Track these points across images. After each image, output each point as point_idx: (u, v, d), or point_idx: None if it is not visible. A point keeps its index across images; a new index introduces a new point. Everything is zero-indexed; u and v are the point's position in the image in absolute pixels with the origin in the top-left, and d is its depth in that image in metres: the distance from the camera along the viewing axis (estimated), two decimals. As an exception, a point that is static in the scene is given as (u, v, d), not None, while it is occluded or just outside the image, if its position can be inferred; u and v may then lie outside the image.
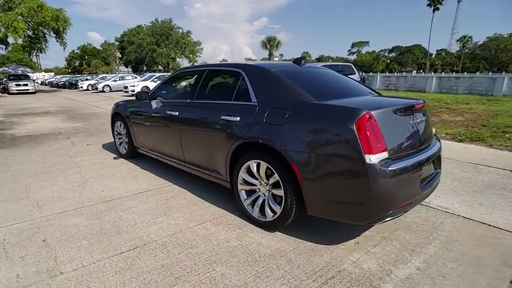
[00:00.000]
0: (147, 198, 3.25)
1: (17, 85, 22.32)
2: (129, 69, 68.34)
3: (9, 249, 2.27)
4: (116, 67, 77.76)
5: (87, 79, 30.61)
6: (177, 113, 3.42)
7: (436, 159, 2.59)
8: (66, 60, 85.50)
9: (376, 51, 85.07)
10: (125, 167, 4.36)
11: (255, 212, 2.64)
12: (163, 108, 3.68)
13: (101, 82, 24.98)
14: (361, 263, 2.12)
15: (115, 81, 24.44)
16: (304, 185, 2.22)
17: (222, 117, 2.82)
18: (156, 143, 3.96)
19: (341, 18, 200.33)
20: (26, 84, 22.76)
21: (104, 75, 34.45)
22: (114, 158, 4.82)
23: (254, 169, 2.57)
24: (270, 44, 53.21)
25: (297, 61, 3.10)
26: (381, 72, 60.01)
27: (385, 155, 2.00)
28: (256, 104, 2.60)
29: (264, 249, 2.30)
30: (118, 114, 4.75)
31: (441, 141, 2.90)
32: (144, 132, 4.15)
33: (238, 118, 2.67)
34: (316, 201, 2.23)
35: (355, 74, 12.78)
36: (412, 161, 2.15)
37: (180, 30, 60.21)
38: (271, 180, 2.47)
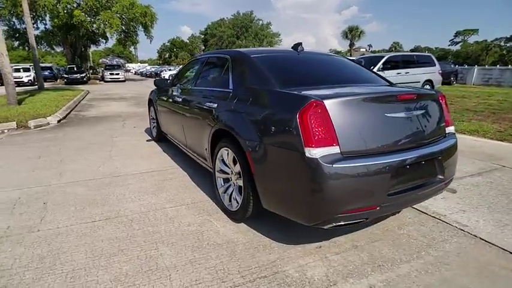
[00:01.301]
0: (147, 177, 3.53)
1: (110, 74, 26.45)
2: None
3: (16, 206, 2.79)
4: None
5: (169, 69, 34.12)
6: (180, 99, 3.61)
7: (439, 164, 2.12)
8: (157, 52, 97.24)
9: (489, 40, 71.56)
10: (149, 149, 4.80)
11: (226, 201, 2.63)
12: (175, 95, 3.92)
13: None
14: (306, 269, 1.92)
15: None
16: (255, 176, 2.12)
17: (206, 103, 2.87)
18: (170, 127, 4.25)
19: (444, 4, 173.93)
20: (118, 74, 26.76)
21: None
22: (147, 141, 5.35)
23: (225, 157, 2.56)
24: (352, 34, 50.05)
25: (294, 47, 2.92)
26: (493, 65, 50.18)
27: (334, 150, 1.74)
28: (231, 91, 2.57)
29: (217, 238, 2.28)
30: (150, 101, 5.23)
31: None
32: (164, 117, 4.49)
33: (216, 105, 2.68)
34: (267, 195, 2.10)
35: (434, 65, 11.19)
36: (378, 161, 1.80)
37: (260, 22, 61.97)
38: (237, 169, 2.42)
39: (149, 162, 4.10)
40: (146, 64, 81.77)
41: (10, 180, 3.44)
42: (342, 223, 1.85)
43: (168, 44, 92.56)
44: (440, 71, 11.50)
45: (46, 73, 25.08)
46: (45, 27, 25.33)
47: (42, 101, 9.27)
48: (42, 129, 6.27)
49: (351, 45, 51.10)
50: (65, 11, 21.41)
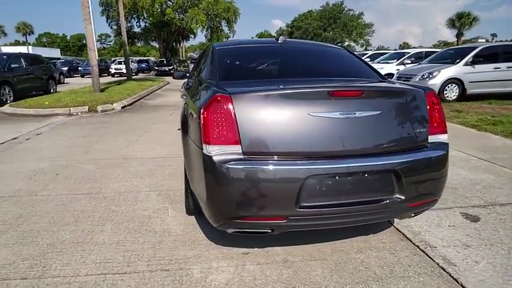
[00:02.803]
0: (149, 162, 3.87)
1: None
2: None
3: (36, 175, 3.44)
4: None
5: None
6: (186, 92, 3.82)
7: (398, 180, 1.74)
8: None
9: None
10: (173, 137, 5.19)
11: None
12: (187, 88, 4.15)
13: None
14: (212, 272, 1.85)
15: None
16: (186, 168, 2.14)
17: (183, 96, 3.00)
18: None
19: None
20: (205, 67, 29.23)
21: None
22: (178, 129, 5.80)
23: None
24: (461, 21, 42.84)
25: (276, 38, 2.77)
26: None
27: (233, 149, 1.62)
28: (193, 82, 2.63)
29: (159, 225, 2.39)
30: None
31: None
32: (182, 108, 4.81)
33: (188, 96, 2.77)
34: (194, 190, 2.09)
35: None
36: (286, 166, 1.61)
37: (351, 12, 58.90)
38: (188, 161, 2.47)
39: (163, 149, 4.47)
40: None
41: (50, 153, 4.24)
42: (245, 230, 1.73)
43: (256, 37, 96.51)
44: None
45: (143, 65, 29.22)
46: (145, 25, 29.33)
47: (120, 90, 10.91)
48: (106, 114, 7.43)
49: (459, 35, 43.79)
50: (159, 10, 24.45)
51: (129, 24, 28.49)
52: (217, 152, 1.63)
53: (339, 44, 58.97)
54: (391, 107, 1.78)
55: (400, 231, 2.32)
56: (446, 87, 8.61)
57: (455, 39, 45.00)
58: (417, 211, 1.95)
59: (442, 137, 1.94)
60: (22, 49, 45.85)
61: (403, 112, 1.81)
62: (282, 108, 1.67)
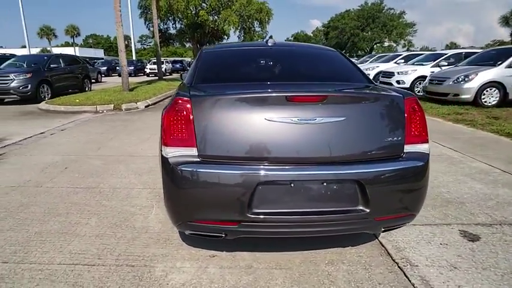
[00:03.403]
0: (152, 160, 4.00)
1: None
2: (331, 56, 71.94)
3: (49, 167, 3.72)
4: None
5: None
6: None
7: (362, 191, 1.65)
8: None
9: None
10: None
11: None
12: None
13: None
14: (173, 272, 1.90)
15: None
16: None
17: None
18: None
19: None
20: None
21: None
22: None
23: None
24: (517, 17, 39.25)
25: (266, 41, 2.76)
26: None
27: (189, 152, 1.65)
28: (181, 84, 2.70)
29: (140, 222, 2.48)
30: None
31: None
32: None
33: None
34: None
35: None
36: (238, 171, 1.60)
37: (392, 11, 56.49)
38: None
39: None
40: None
41: (67, 148, 4.57)
42: (200, 232, 1.74)
43: (292, 38, 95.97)
44: None
45: (177, 66, 30.53)
46: (181, 27, 30.40)
47: (148, 89, 11.43)
48: (129, 112, 7.83)
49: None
50: (193, 12, 25.26)
51: (165, 26, 29.79)
52: (173, 154, 1.66)
53: (378, 45, 56.59)
54: (358, 113, 1.69)
55: (383, 245, 2.20)
56: (485, 92, 7.95)
57: (510, 38, 41.36)
58: (388, 226, 1.83)
59: (421, 147, 1.81)
60: (70, 50, 49.80)
61: (373, 119, 1.71)
62: (239, 112, 1.67)
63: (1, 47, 53.84)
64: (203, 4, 26.83)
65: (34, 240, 2.21)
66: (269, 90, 1.75)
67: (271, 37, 2.74)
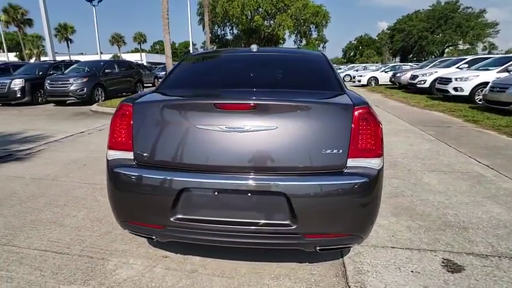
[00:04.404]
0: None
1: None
2: (396, 60, 68.02)
3: (71, 163, 4.23)
4: (388, 57, 79.65)
5: (339, 68, 34.35)
6: None
7: (289, 206, 1.60)
8: (342, 50, 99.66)
9: None
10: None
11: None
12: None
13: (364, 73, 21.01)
14: (122, 267, 2.05)
15: (386, 72, 19.43)
16: None
17: None
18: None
19: None
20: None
21: (363, 65, 34.42)
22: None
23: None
24: None
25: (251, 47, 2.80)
26: None
27: (126, 155, 1.78)
28: None
29: (120, 219, 2.70)
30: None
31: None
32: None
33: None
34: None
35: None
36: (162, 176, 1.67)
37: (469, 10, 51.20)
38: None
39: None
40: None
41: (95, 147, 5.13)
42: (136, 233, 1.86)
43: (355, 41, 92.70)
44: None
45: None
46: (237, 32, 31.63)
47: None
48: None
49: None
50: (248, 18, 26.12)
51: (222, 32, 31.31)
52: (113, 157, 1.81)
53: (451, 48, 51.34)
54: (294, 123, 1.64)
55: (344, 265, 2.08)
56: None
57: None
58: (324, 246, 1.72)
59: (370, 162, 1.68)
60: (137, 56, 55.03)
61: (312, 129, 1.64)
62: (171, 119, 1.75)
63: (82, 53, 62.07)
64: (259, 9, 27.55)
65: (26, 227, 2.56)
66: (199, 98, 1.80)
67: (254, 43, 2.75)
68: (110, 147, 1.83)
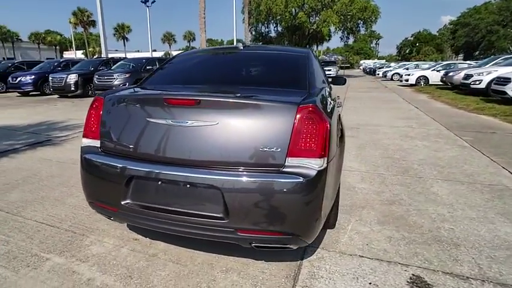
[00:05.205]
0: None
1: (327, 70, 29.11)
2: (459, 57, 62.05)
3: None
4: (450, 55, 73.05)
5: (389, 66, 32.42)
6: None
7: (222, 199, 1.64)
8: (396, 47, 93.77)
9: None
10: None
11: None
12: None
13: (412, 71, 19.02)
14: (96, 244, 2.24)
15: (438, 70, 17.34)
16: None
17: None
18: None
19: None
20: (330, 70, 28.89)
21: (414, 63, 31.96)
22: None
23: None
24: None
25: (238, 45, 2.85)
26: None
27: (94, 143, 1.98)
28: None
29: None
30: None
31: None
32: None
33: None
34: None
35: None
36: (114, 163, 1.83)
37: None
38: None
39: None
40: (383, 60, 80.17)
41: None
42: (101, 214, 2.04)
43: (411, 38, 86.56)
44: None
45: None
46: (282, 30, 31.44)
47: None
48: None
49: None
50: (291, 15, 25.75)
51: (266, 30, 31.35)
52: (84, 144, 2.01)
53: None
54: (234, 120, 1.66)
55: (300, 268, 2.04)
56: None
57: None
58: (259, 243, 1.71)
59: (309, 162, 1.63)
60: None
61: (252, 126, 1.64)
62: (131, 112, 1.89)
63: (138, 51, 66.83)
64: (305, 5, 27.00)
65: (35, 202, 2.92)
66: (151, 93, 1.91)
67: (240, 41, 2.78)
68: (84, 135, 2.03)
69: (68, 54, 54.42)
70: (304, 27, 27.06)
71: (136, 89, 2.21)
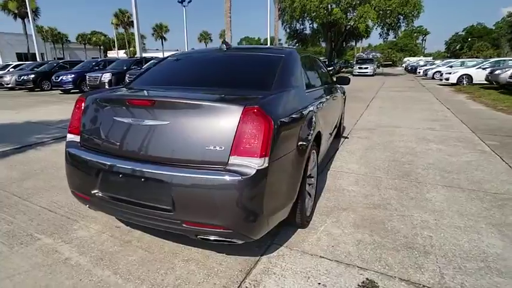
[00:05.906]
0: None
1: (359, 68, 28.03)
2: (514, 54, 56.40)
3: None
4: (508, 50, 66.70)
5: (432, 64, 30.49)
6: None
7: (169, 192, 1.81)
8: (445, 43, 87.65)
9: None
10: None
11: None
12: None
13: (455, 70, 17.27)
14: (82, 228, 2.53)
15: (484, 68, 15.69)
16: None
17: None
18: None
19: None
20: (366, 68, 27.85)
21: (460, 60, 29.69)
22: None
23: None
24: None
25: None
26: None
27: (76, 138, 2.24)
28: None
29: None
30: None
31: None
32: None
33: None
34: None
35: None
36: (85, 157, 2.08)
37: None
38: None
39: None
40: (430, 58, 75.74)
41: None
42: (80, 202, 2.30)
43: (463, 32, 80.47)
44: None
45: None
46: (317, 27, 30.92)
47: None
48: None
49: None
50: (326, 11, 25.18)
51: (301, 27, 31.01)
52: (68, 139, 2.29)
53: None
54: (184, 119, 1.81)
55: (256, 263, 2.14)
56: None
57: None
58: (203, 235, 1.85)
59: (251, 161, 1.72)
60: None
61: (199, 125, 1.78)
62: (101, 110, 2.13)
63: (177, 50, 69.61)
64: (341, 1, 26.22)
65: (45, 189, 3.31)
66: (118, 94, 2.12)
67: (223, 42, 2.88)
68: (68, 131, 2.30)
69: (111, 54, 58.32)
70: (340, 24, 26.33)
71: (116, 90, 2.45)
